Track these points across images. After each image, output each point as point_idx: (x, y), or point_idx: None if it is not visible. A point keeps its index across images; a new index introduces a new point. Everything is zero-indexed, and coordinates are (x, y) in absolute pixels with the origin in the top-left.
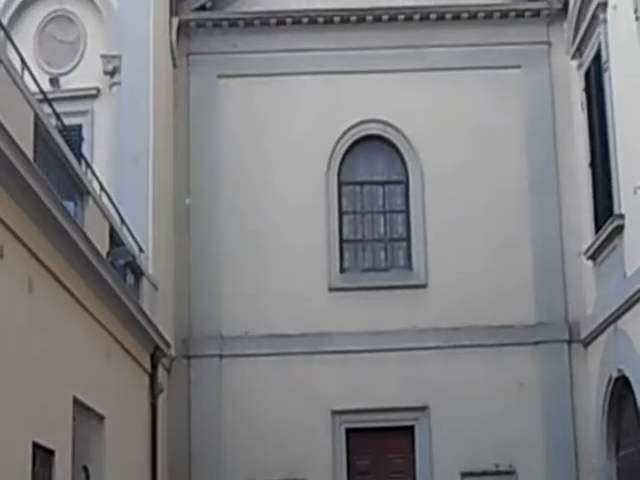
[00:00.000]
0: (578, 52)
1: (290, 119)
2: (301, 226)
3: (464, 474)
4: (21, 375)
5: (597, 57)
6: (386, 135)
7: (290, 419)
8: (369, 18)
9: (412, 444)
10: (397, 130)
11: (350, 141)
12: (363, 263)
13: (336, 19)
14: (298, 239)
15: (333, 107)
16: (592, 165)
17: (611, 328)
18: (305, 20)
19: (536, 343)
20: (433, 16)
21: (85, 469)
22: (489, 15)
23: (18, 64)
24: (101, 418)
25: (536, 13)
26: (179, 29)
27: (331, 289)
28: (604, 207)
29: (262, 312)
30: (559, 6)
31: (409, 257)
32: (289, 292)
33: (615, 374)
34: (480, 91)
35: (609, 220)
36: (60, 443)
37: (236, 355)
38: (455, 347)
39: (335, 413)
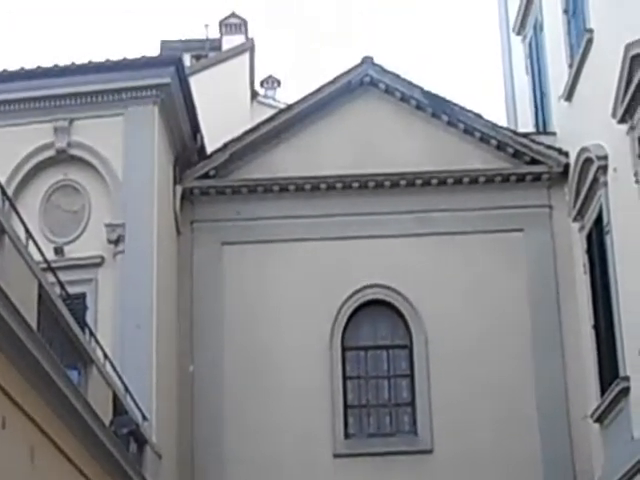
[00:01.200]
0: (579, 215)
1: (294, 285)
2: (305, 392)
3: None
4: None
5: (598, 220)
6: (389, 300)
7: None
8: (371, 184)
9: None
10: (400, 294)
11: (354, 306)
12: (368, 428)
13: (338, 185)
14: (302, 405)
15: (336, 272)
16: (596, 327)
17: None
18: (307, 187)
19: None
20: (434, 181)
21: None
22: (490, 179)
23: (22, 233)
24: None
25: (537, 177)
26: (183, 197)
27: (336, 455)
28: (609, 369)
29: (267, 478)
30: (560, 170)
31: (414, 422)
32: (293, 459)
33: None
34: (483, 255)
35: (614, 382)
36: None
37: None
38: None
39: None
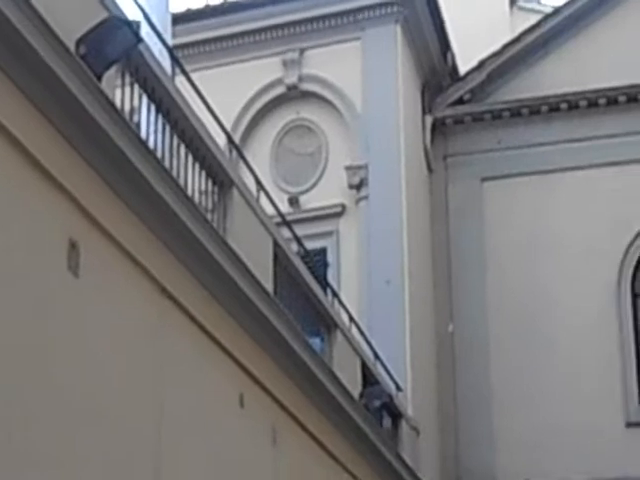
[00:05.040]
0: None
1: (570, 222)
2: (587, 350)
3: None
4: None
5: None
6: None
7: None
8: None
9: None
10: None
11: None
12: None
13: (621, 99)
14: (584, 366)
15: (622, 205)
16: None
17: None
18: (583, 104)
19: None
20: None
21: None
22: None
23: (253, 185)
24: None
25: None
26: (434, 128)
27: (629, 424)
28: None
29: (544, 455)
30: None
31: None
32: (576, 429)
33: None
34: None
35: None
36: None
37: None
38: None
39: None
